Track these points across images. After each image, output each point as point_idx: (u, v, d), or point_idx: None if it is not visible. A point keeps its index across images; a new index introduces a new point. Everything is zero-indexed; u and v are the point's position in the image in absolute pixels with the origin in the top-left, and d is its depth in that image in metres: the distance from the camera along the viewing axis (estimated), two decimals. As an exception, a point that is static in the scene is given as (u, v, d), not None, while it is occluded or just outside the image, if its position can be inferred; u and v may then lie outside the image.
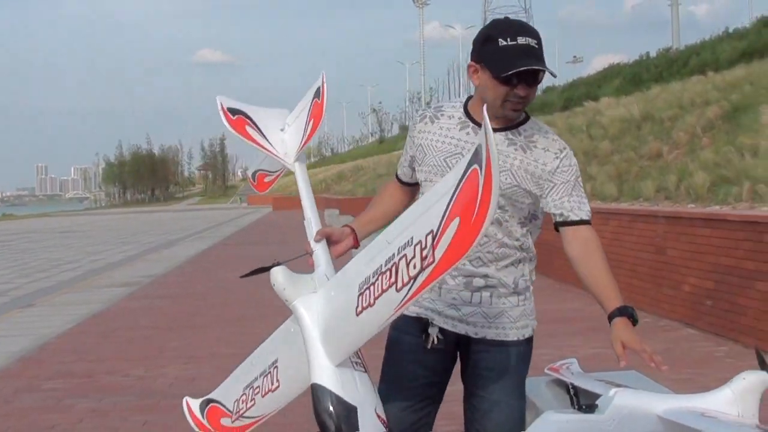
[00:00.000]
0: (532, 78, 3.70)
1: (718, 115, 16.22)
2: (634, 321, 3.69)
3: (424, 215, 2.90)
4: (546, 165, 3.81)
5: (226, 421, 4.20)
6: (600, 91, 33.75)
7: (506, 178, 3.77)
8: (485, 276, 3.86)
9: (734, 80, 18.62)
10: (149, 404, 8.42)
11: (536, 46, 3.68)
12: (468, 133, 3.87)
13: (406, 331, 4.01)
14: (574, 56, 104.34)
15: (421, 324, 3.96)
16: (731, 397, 3.23)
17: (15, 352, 11.43)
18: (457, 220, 2.72)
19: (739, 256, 9.97)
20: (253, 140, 4.46)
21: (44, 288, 19.88)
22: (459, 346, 3.99)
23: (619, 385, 3.40)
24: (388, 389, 3.93)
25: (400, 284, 2.91)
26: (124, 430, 7.58)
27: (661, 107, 19.85)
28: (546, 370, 4.24)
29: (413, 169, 4.08)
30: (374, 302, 3.04)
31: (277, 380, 3.87)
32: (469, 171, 2.74)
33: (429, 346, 3.93)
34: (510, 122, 3.86)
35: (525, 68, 3.62)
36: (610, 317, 3.69)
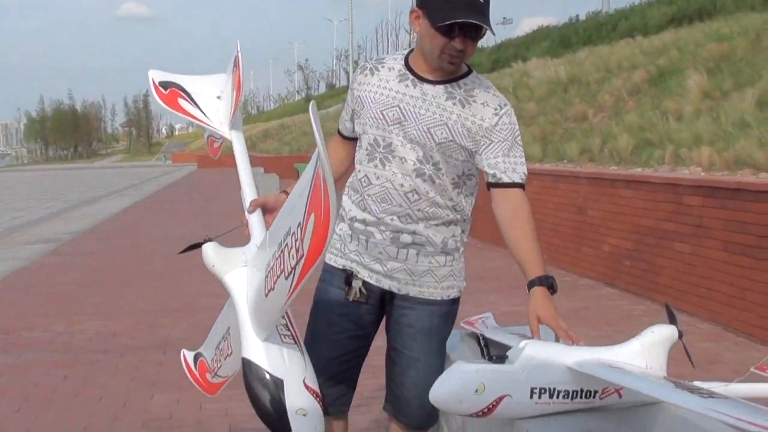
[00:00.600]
0: (474, 32, 3.66)
1: (645, 79, 16.34)
2: (553, 291, 3.70)
3: (296, 206, 2.93)
4: (484, 120, 3.77)
5: (209, 377, 4.24)
6: (529, 52, 33.73)
7: (442, 132, 3.74)
8: (413, 233, 3.83)
9: (662, 45, 18.75)
10: (70, 359, 8.38)
11: (482, 1, 3.62)
12: (407, 86, 3.81)
13: (332, 283, 4.00)
14: (504, 17, 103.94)
15: (346, 276, 3.95)
16: (639, 350, 3.28)
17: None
18: (313, 216, 2.74)
19: (658, 218, 10.12)
20: (186, 113, 4.40)
21: (-36, 243, 19.62)
22: (384, 301, 4.00)
23: (531, 338, 3.45)
24: (314, 340, 3.95)
25: (287, 272, 2.94)
26: (45, 385, 7.53)
27: (588, 70, 19.96)
28: (462, 324, 4.29)
29: (354, 123, 4.02)
30: (274, 286, 3.08)
31: (231, 347, 3.90)
32: (316, 171, 2.76)
33: (351, 299, 3.93)
34: (450, 75, 3.82)
35: (463, 20, 3.57)
36: (530, 285, 3.71)
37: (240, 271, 3.58)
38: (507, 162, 3.79)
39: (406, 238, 3.83)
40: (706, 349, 7.81)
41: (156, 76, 4.50)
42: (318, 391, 3.37)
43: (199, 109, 4.38)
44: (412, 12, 3.77)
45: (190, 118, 4.42)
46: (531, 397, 3.09)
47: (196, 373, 4.32)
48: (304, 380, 3.35)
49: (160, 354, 8.31)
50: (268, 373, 3.27)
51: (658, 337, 3.34)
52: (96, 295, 11.94)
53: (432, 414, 4.05)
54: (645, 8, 31.22)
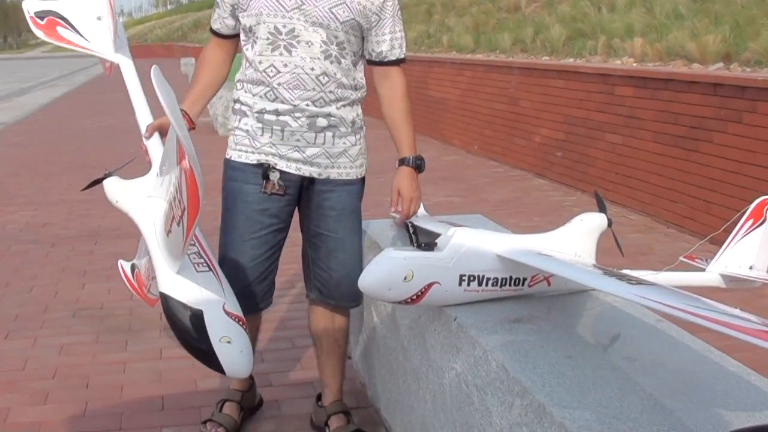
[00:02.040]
0: None
1: (577, -32, 16.30)
2: (419, 171, 3.98)
3: (171, 156, 2.98)
4: None
5: (145, 290, 4.22)
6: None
7: (344, 11, 3.76)
8: (328, 115, 3.87)
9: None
10: (0, 249, 8.30)
11: None
12: None
13: (247, 181, 3.97)
14: None
15: (264, 170, 3.93)
16: (569, 238, 3.31)
17: None
18: (184, 175, 2.77)
19: (590, 108, 10.15)
20: (67, 41, 4.32)
21: None
22: (301, 189, 4.01)
23: (460, 226, 3.45)
24: (237, 241, 3.98)
25: (177, 220, 2.98)
26: (-26, 275, 7.46)
27: (521, -41, 19.85)
28: (391, 213, 4.29)
29: (236, 18, 3.96)
30: (171, 229, 3.11)
31: (153, 270, 3.89)
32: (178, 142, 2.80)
33: (269, 192, 3.92)
34: None
35: None
36: (399, 163, 4.00)
37: (144, 203, 3.57)
38: (393, 40, 3.99)
39: (322, 121, 3.87)
40: (636, 240, 7.91)
41: (31, 7, 4.39)
42: (240, 315, 3.42)
43: (80, 35, 4.29)
44: None
45: (72, 47, 4.34)
46: (460, 284, 3.11)
47: (135, 284, 4.31)
48: (223, 306, 3.37)
49: (91, 244, 8.26)
50: (186, 305, 3.30)
51: (588, 224, 3.36)
52: (26, 186, 11.80)
53: (359, 293, 4.04)
54: None
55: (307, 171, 3.93)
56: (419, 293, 3.05)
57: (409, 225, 3.96)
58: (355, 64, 3.96)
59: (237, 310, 3.40)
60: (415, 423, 3.62)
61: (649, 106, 8.90)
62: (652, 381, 2.52)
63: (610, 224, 3.43)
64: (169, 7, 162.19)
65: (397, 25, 3.99)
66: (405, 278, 3.01)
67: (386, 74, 4.05)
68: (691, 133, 8.19)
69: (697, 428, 2.23)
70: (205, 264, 3.45)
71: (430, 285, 3.05)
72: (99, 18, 4.31)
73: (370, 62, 4.01)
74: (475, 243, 3.15)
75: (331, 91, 3.85)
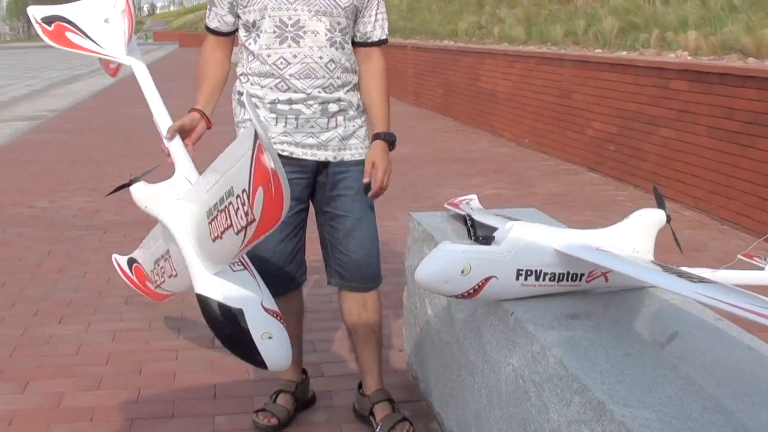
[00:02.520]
0: None
1: (630, -40, 16.16)
2: (392, 147, 4.10)
3: (234, 170, 2.97)
4: None
5: (150, 285, 4.24)
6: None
7: None
8: (338, 100, 4.00)
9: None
10: (54, 235, 8.39)
11: None
12: None
13: None
14: None
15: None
16: (627, 233, 3.28)
17: None
18: (261, 190, 2.80)
19: (643, 102, 10.06)
20: (78, 47, 4.32)
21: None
22: (316, 174, 4.09)
23: (517, 220, 3.44)
24: None
25: (236, 229, 3.00)
26: (29, 259, 7.55)
27: (573, -50, 19.71)
28: (446, 205, 4.29)
29: (236, 15, 4.04)
30: (222, 236, 3.12)
31: (175, 269, 3.93)
32: (256, 148, 2.80)
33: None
34: None
35: None
36: (373, 137, 4.11)
37: (175, 206, 3.60)
38: (377, 21, 4.10)
39: (333, 107, 3.99)
40: (690, 236, 7.81)
41: (37, 12, 4.41)
42: (277, 310, 3.45)
43: (90, 39, 4.30)
44: None
45: (83, 52, 4.34)
46: (517, 278, 3.10)
47: (134, 278, 4.34)
48: (261, 303, 3.39)
49: (143, 230, 8.17)
50: (226, 306, 3.32)
51: (646, 220, 3.34)
52: (79, 173, 11.91)
53: (379, 272, 4.25)
54: None
55: (322, 155, 4.03)
56: (476, 287, 3.04)
57: (467, 218, 3.95)
58: (351, 47, 4.08)
59: (273, 305, 3.44)
60: (469, 417, 3.62)
61: (704, 101, 8.81)
62: (712, 381, 2.50)
63: (668, 220, 3.40)
64: (196, 2, 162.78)
65: (381, 6, 4.11)
66: (462, 272, 3.00)
67: (369, 55, 4.14)
68: (747, 128, 8.10)
69: (759, 431, 2.21)
70: (239, 263, 3.47)
71: (487, 279, 3.04)
72: (106, 20, 4.33)
73: (354, 43, 4.10)
74: (532, 237, 3.13)
75: (338, 77, 3.98)
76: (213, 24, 4.14)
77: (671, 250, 3.57)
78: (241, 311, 3.33)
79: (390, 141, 4.08)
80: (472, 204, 4.32)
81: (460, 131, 15.04)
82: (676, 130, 9.33)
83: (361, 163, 4.08)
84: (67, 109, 21.32)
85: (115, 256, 4.39)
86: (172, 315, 5.96)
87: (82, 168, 12.30)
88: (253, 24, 3.93)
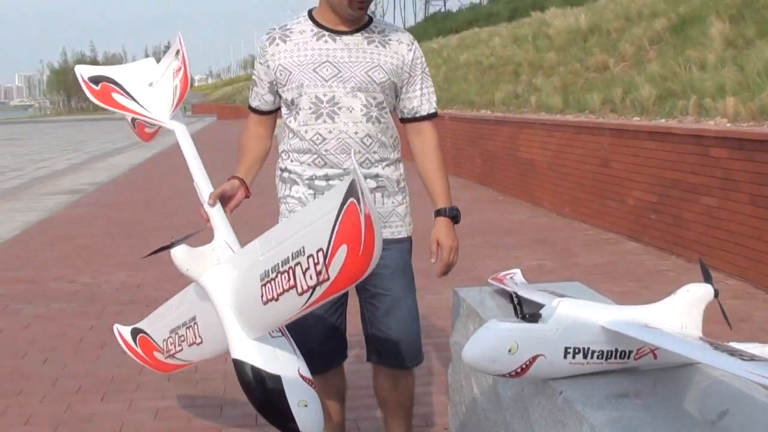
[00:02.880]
0: None
1: (666, 27, 16.16)
2: (456, 221, 4.11)
3: (310, 229, 2.96)
4: (404, 56, 4.02)
5: (159, 356, 4.24)
6: (546, 1, 33.54)
7: (379, 73, 3.94)
8: (375, 176, 4.01)
9: (682, -8, 18.57)
10: (96, 310, 8.43)
11: None
12: (326, 42, 3.97)
13: None
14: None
15: None
16: (675, 309, 3.25)
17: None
18: (344, 248, 2.79)
19: (683, 170, 10.02)
20: (124, 108, 4.38)
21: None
22: None
23: (562, 296, 3.41)
24: None
25: (300, 290, 2.99)
26: (71, 335, 7.58)
27: (608, 18, 19.75)
28: (489, 280, 4.27)
29: (276, 94, 4.13)
30: (278, 298, 3.11)
31: (200, 336, 3.92)
32: (347, 203, 2.79)
33: None
34: (358, 24, 4.00)
35: None
36: (436, 214, 4.11)
37: (215, 271, 3.62)
38: (423, 95, 4.12)
39: (371, 183, 3.98)
40: (735, 306, 7.71)
41: (84, 71, 4.50)
42: (311, 378, 3.45)
43: (135, 101, 4.36)
44: None
45: (128, 113, 4.40)
46: (565, 357, 3.07)
47: (138, 349, 4.32)
48: (299, 371, 3.40)
49: (185, 307, 8.33)
50: (265, 371, 3.32)
51: (694, 296, 3.30)
52: (120, 246, 11.97)
53: (418, 351, 4.25)
54: (668, -46, 30.83)
55: None
56: (524, 366, 3.01)
57: (513, 295, 3.93)
58: (389, 122, 4.08)
59: (308, 373, 3.45)
60: (517, 497, 3.57)
61: (746, 168, 8.76)
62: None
63: (716, 295, 3.37)
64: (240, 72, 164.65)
65: (426, 81, 4.13)
66: (509, 350, 2.97)
67: (419, 129, 4.16)
68: (790, 196, 8.05)
69: None
70: (278, 330, 3.47)
71: (534, 357, 3.01)
72: (150, 84, 4.39)
73: (403, 119, 4.15)
74: (580, 314, 3.11)
75: (375, 152, 4.00)
76: (254, 103, 4.23)
77: (716, 321, 3.53)
78: (279, 377, 3.33)
79: (453, 216, 4.09)
80: (516, 279, 4.30)
81: (500, 201, 15.04)
82: (718, 198, 9.27)
83: (401, 241, 4.10)
84: (108, 182, 21.52)
85: (117, 326, 4.39)
86: (215, 393, 5.95)
87: (123, 242, 12.37)
88: (292, 102, 4.00)
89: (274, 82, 4.07)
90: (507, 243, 11.41)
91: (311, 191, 4.02)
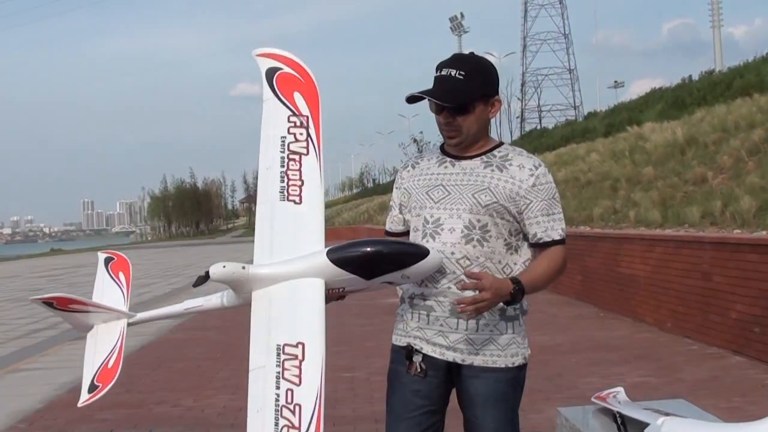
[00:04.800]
0: (456, 108, 3.94)
1: (764, 138, 16.08)
2: (511, 300, 3.83)
3: None
4: (522, 182, 3.98)
5: None
6: (642, 115, 33.56)
7: (486, 196, 3.95)
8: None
9: (779, 102, 18.48)
10: (199, 434, 8.48)
11: (459, 77, 3.91)
12: (446, 167, 4.08)
13: (399, 362, 4.13)
14: (615, 81, 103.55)
15: (407, 352, 4.08)
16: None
17: (67, 383, 11.52)
18: None
19: (788, 282, 9.88)
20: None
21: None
22: (450, 372, 4.07)
23: (666, 414, 3.39)
24: (393, 421, 4.12)
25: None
26: (175, 462, 7.62)
27: (705, 131, 19.71)
28: (593, 399, 4.25)
29: (405, 214, 4.24)
30: None
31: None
32: None
33: (412, 373, 4.03)
34: (483, 149, 4.07)
35: (410, 94, 3.94)
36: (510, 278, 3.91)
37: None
38: (546, 222, 4.02)
39: None
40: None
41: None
42: None
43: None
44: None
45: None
46: (671, 476, 3.04)
47: None
48: None
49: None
50: None
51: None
52: (223, 370, 12.06)
53: None
54: (760, 64, 30.76)
55: (450, 356, 4.00)
56: (629, 487, 2.99)
57: (617, 415, 3.91)
58: (509, 247, 4.03)
59: None
60: None
61: None
62: None
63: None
64: (354, 191, 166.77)
65: (551, 207, 4.04)
66: (614, 471, 2.96)
67: (544, 252, 4.08)
68: None
69: None
70: None
71: (640, 478, 2.99)
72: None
73: (530, 244, 4.09)
74: (685, 434, 3.08)
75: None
76: (387, 226, 4.37)
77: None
78: None
79: (514, 290, 3.80)
80: (619, 397, 4.28)
81: (600, 317, 14.89)
82: (824, 310, 9.10)
83: (496, 370, 4.00)
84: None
85: None
86: None
87: (225, 365, 12.46)
88: (412, 223, 4.14)
89: (402, 205, 4.23)
90: (609, 359, 11.26)
91: (410, 309, 4.08)
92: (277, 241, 4.13)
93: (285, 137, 4.25)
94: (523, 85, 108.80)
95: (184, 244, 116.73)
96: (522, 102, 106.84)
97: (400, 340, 4.14)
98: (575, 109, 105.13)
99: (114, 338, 4.46)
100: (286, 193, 4.20)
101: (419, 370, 4.02)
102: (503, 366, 4.02)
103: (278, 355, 3.59)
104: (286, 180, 4.21)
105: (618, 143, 26.24)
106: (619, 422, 3.85)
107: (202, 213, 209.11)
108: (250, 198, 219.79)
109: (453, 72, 3.92)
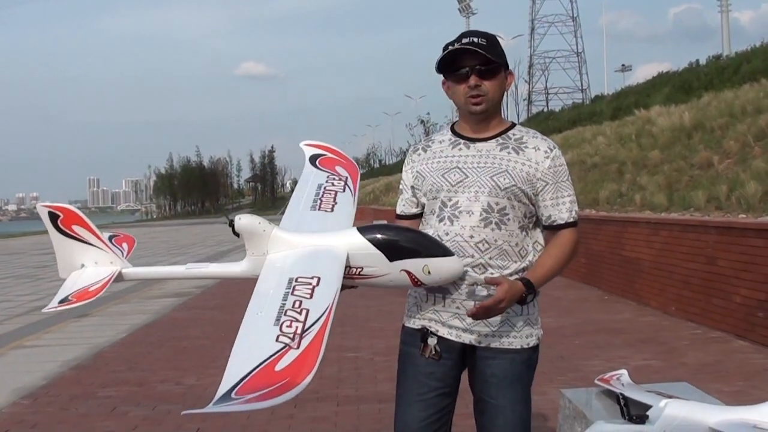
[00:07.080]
0: (483, 70, 3.94)
1: (771, 123, 16.05)
2: (527, 293, 3.87)
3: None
4: (539, 164, 4.00)
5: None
6: (649, 99, 33.46)
7: (504, 179, 3.95)
8: (488, 284, 3.91)
9: (788, 87, 18.42)
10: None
11: (482, 43, 3.93)
12: (461, 149, 4.08)
13: (415, 345, 4.12)
14: (623, 64, 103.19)
15: (422, 334, 4.08)
16: (784, 409, 3.21)
17: (70, 360, 11.59)
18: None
19: (792, 267, 9.86)
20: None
21: (98, 298, 19.92)
22: (465, 354, 4.08)
23: (669, 396, 3.39)
24: (405, 402, 4.11)
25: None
26: (177, 439, 7.63)
27: (712, 115, 19.64)
28: (596, 381, 4.25)
29: (417, 199, 4.24)
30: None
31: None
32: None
33: (427, 356, 4.04)
34: (495, 131, 4.07)
35: (454, 48, 3.93)
36: (520, 279, 3.92)
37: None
38: (560, 204, 4.06)
39: (482, 290, 3.90)
40: None
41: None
42: None
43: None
44: (442, 84, 4.12)
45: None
46: (673, 458, 3.04)
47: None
48: None
49: (291, 408, 8.36)
50: None
51: (805, 397, 3.26)
52: (226, 349, 11.84)
53: None
54: (767, 49, 30.64)
55: (467, 339, 4.01)
56: (631, 467, 2.99)
57: (620, 397, 3.90)
58: (523, 230, 4.04)
59: None
60: None
61: None
62: None
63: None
64: (361, 171, 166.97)
65: (564, 190, 4.07)
66: (617, 452, 2.96)
67: (557, 234, 4.10)
68: None
69: None
70: None
71: (642, 459, 2.99)
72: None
73: (544, 226, 4.11)
74: (688, 415, 3.08)
75: (491, 258, 3.94)
76: (398, 209, 4.36)
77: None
78: None
79: (527, 289, 3.87)
80: (622, 380, 4.28)
81: (605, 300, 14.88)
82: (829, 295, 9.10)
83: (511, 351, 4.02)
84: (213, 285, 21.71)
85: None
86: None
87: (228, 344, 12.32)
88: (426, 206, 4.15)
89: (415, 187, 4.21)
90: (613, 342, 11.26)
91: (425, 291, 4.05)
92: (305, 222, 4.29)
93: (322, 184, 4.62)
94: (530, 67, 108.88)
95: (190, 222, 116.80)
96: (529, 84, 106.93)
97: (413, 323, 4.14)
98: (582, 92, 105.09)
99: (102, 276, 4.32)
100: (317, 205, 4.46)
101: (434, 352, 4.03)
102: (519, 347, 4.03)
103: (289, 282, 3.55)
104: (318, 203, 4.46)
105: (625, 127, 26.17)
106: (623, 404, 3.85)
107: (208, 191, 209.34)
108: (256, 177, 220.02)
109: (476, 39, 3.94)
